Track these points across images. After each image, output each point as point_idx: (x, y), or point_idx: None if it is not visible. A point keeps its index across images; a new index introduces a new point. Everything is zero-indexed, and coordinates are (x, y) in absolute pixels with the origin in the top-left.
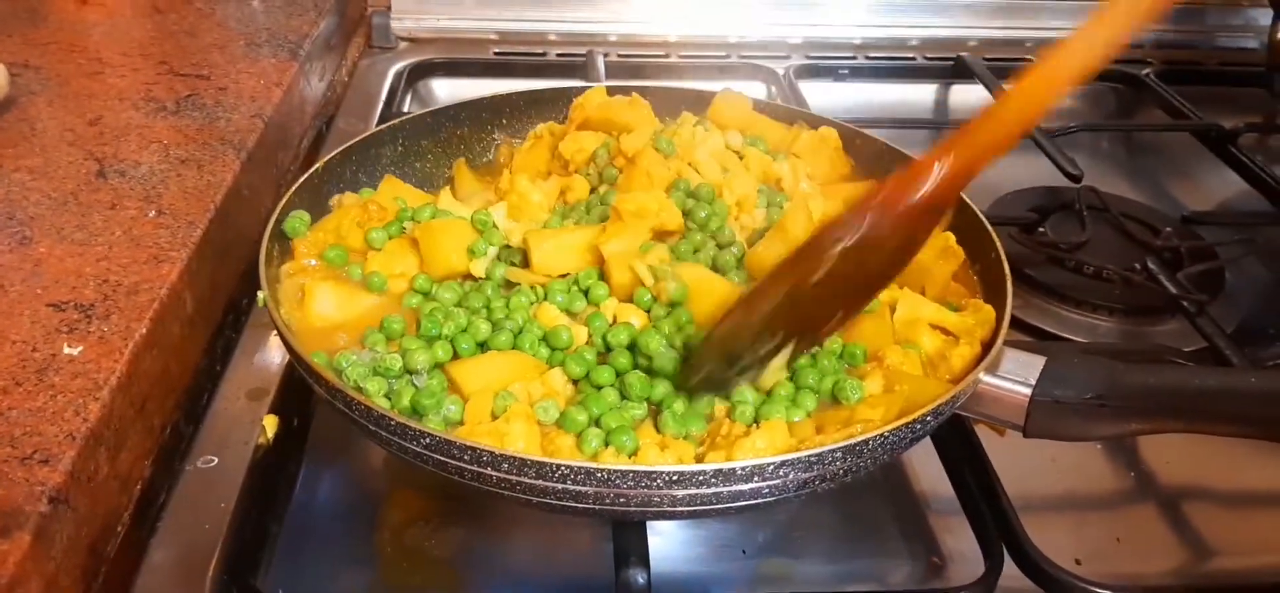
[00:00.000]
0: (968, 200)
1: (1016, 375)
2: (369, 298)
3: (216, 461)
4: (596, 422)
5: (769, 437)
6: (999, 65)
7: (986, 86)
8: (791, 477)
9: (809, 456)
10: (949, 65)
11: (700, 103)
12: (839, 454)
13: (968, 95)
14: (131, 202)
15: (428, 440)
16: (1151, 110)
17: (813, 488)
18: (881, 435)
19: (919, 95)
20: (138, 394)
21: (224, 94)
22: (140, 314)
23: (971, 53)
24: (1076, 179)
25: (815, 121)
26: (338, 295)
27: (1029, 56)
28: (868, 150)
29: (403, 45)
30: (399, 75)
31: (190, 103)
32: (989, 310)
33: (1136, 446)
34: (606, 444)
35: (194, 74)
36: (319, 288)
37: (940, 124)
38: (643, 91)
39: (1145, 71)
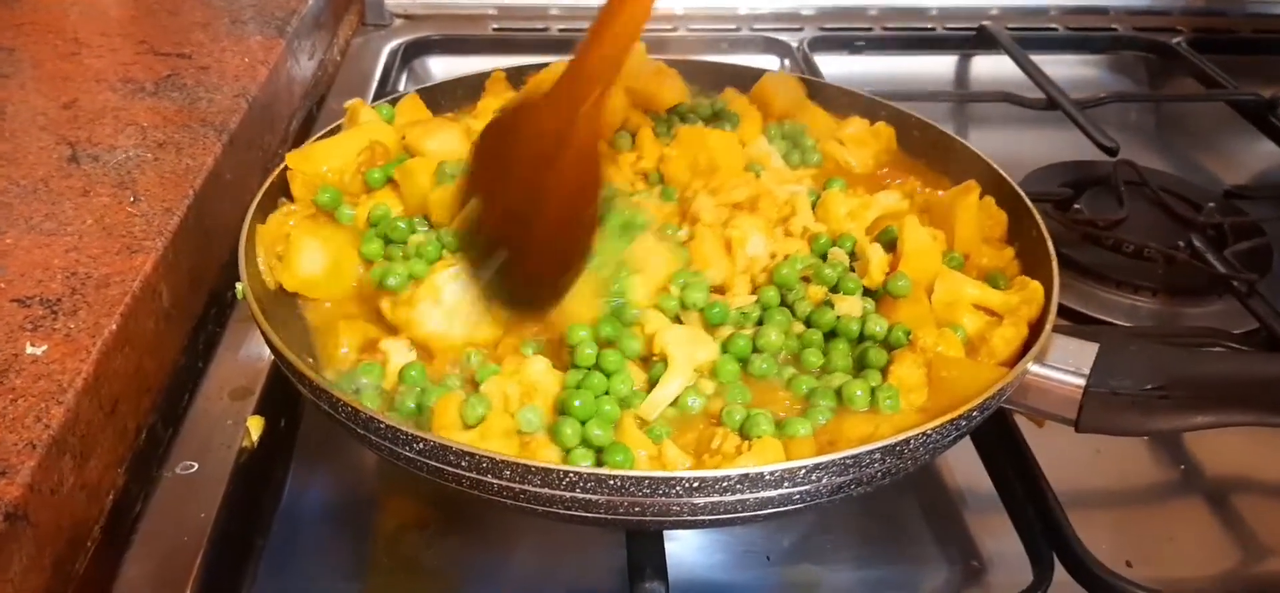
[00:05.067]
0: (1004, 175)
1: (1068, 365)
2: (357, 259)
3: (196, 466)
4: (583, 425)
5: (762, 456)
6: (1024, 35)
7: (1013, 58)
8: (825, 481)
9: (845, 457)
10: (970, 35)
11: (742, 80)
12: (877, 455)
13: (991, 67)
14: (105, 188)
15: (422, 446)
16: (1183, 80)
17: (847, 492)
18: (924, 434)
19: (939, 67)
20: (108, 396)
21: (206, 74)
22: (111, 309)
23: (994, 22)
24: (1112, 152)
25: (873, 110)
26: (326, 251)
27: (1054, 26)
28: (924, 141)
29: (398, 22)
30: (394, 53)
31: (170, 83)
32: (1036, 286)
33: (1181, 437)
34: (599, 463)
35: (174, 53)
36: (304, 243)
37: (962, 97)
38: (685, 65)
39: (1176, 40)
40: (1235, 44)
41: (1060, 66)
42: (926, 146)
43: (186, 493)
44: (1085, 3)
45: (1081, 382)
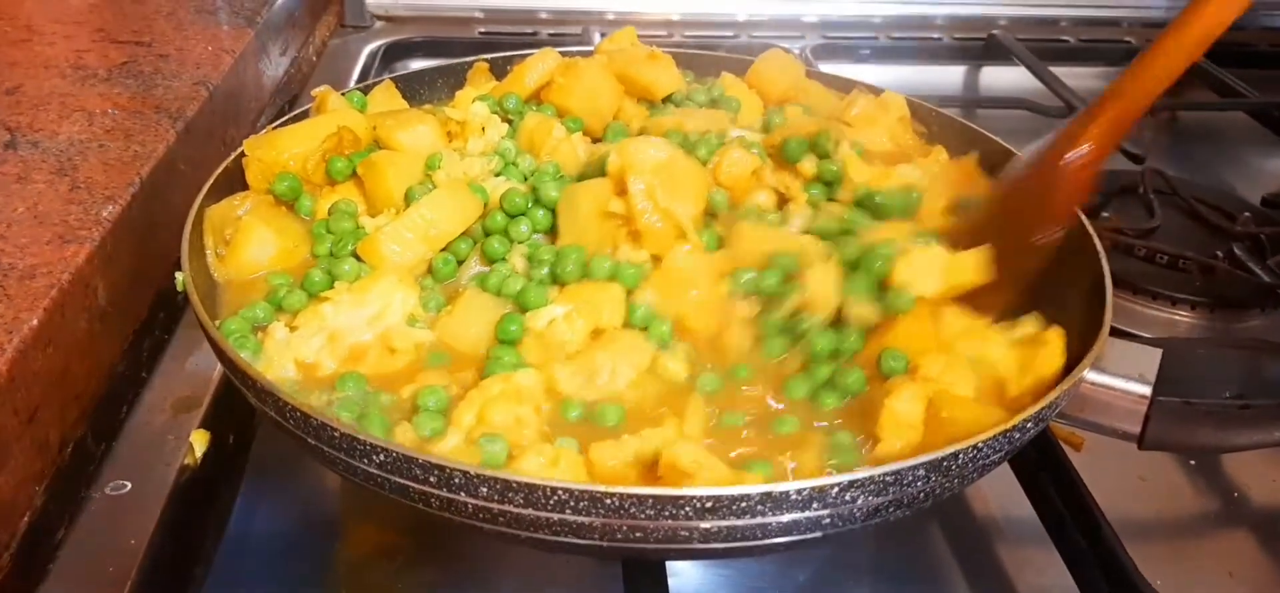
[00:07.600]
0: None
1: (1131, 372)
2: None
3: (129, 486)
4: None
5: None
6: (1035, 46)
7: (1027, 66)
8: (860, 502)
9: (884, 473)
10: (979, 45)
11: (738, 64)
12: (921, 471)
13: (999, 77)
14: (41, 174)
15: (382, 458)
16: (1200, 90)
17: (884, 516)
18: (975, 448)
19: (947, 77)
20: (25, 402)
21: (165, 61)
22: (33, 303)
23: (1003, 32)
24: (1139, 160)
25: (876, 92)
26: (278, 241)
27: (1065, 37)
28: (933, 126)
29: (379, 24)
30: (373, 55)
31: (125, 70)
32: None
33: (1224, 464)
34: None
35: (133, 41)
36: (255, 229)
37: (975, 102)
38: (680, 50)
39: None
40: (1252, 57)
41: (1071, 78)
42: (944, 136)
43: (117, 516)
44: (1097, 15)
45: (1147, 391)
